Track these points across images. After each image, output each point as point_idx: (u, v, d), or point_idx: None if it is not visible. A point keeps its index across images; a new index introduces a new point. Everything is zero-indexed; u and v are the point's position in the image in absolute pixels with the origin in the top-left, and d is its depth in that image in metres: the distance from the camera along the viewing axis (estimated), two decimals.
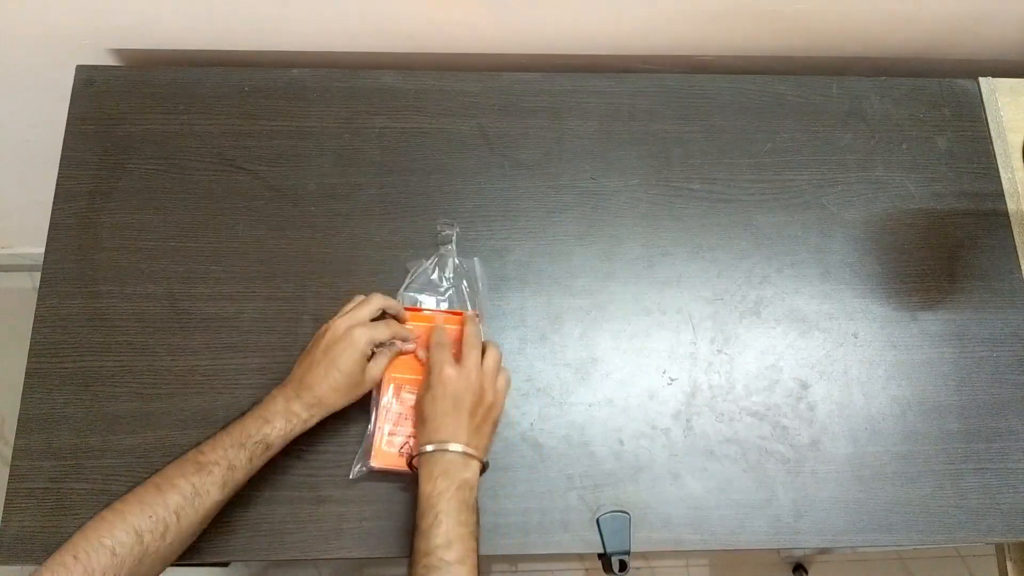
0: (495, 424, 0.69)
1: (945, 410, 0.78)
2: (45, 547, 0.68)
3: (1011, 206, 0.86)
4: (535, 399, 0.76)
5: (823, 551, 1.41)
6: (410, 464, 0.66)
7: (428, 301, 0.76)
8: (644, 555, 1.38)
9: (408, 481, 0.70)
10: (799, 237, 0.84)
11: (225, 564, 1.20)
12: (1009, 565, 0.91)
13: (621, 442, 0.75)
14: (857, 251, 0.84)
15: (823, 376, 0.78)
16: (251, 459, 0.61)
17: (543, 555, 1.28)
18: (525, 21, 0.87)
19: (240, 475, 0.61)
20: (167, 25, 0.86)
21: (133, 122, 0.84)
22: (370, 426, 0.70)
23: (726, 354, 0.79)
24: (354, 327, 0.65)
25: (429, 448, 0.63)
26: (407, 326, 0.72)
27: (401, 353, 0.71)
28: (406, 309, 0.73)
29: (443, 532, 0.59)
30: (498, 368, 0.69)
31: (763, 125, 0.88)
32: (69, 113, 0.84)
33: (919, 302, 0.82)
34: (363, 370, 0.66)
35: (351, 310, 0.68)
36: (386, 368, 0.69)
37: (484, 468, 0.66)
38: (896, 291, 0.82)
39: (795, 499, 0.73)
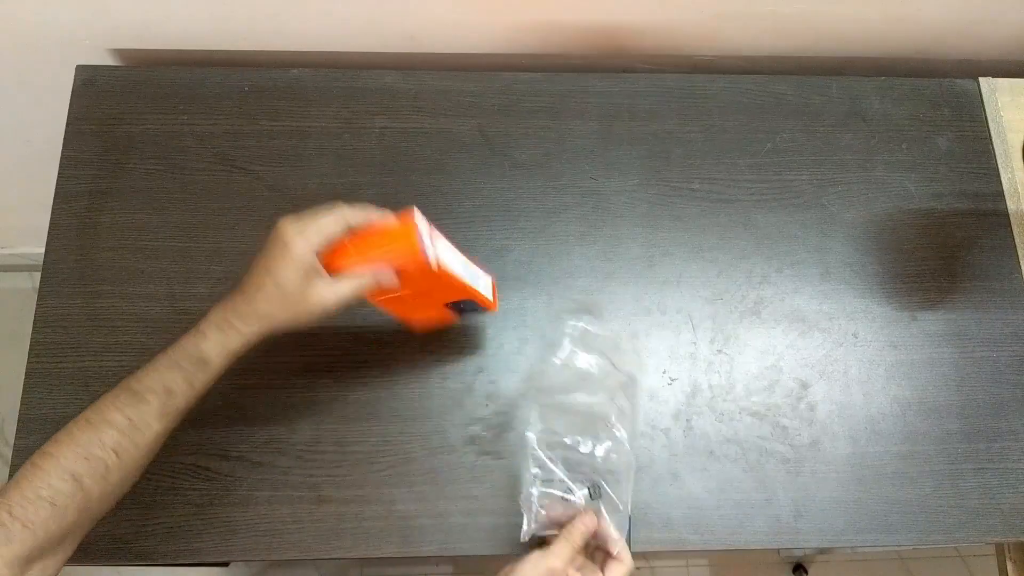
0: None
1: (945, 410, 0.78)
2: None
3: (1011, 206, 0.86)
4: (535, 399, 0.75)
5: (823, 551, 1.41)
6: None
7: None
8: (644, 555, 1.38)
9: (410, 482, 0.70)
10: (799, 237, 0.84)
11: (225, 564, 1.20)
12: (1009, 565, 0.91)
13: None
14: (857, 251, 0.84)
15: (823, 376, 0.78)
16: (189, 380, 0.55)
17: None
18: (525, 21, 0.87)
19: (180, 401, 0.55)
20: (167, 25, 0.86)
21: (133, 122, 0.84)
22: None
23: (726, 354, 0.79)
24: (294, 229, 0.56)
25: None
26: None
27: (382, 289, 0.59)
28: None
29: None
30: None
31: (763, 125, 0.88)
32: (69, 113, 0.84)
33: (919, 302, 0.82)
34: (306, 285, 0.56)
35: (306, 214, 0.57)
36: (354, 297, 0.57)
37: None
38: (896, 291, 0.82)
39: (795, 499, 0.73)
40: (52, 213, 0.80)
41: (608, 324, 0.79)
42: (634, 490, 0.72)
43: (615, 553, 0.59)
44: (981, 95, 0.91)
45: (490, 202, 0.83)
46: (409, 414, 0.74)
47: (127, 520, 0.69)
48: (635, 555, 0.70)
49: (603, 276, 0.81)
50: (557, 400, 0.63)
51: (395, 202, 0.82)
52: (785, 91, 0.90)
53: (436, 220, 0.81)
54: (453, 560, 1.40)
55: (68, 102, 0.84)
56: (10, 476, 0.70)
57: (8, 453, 0.79)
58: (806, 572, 1.42)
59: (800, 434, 0.76)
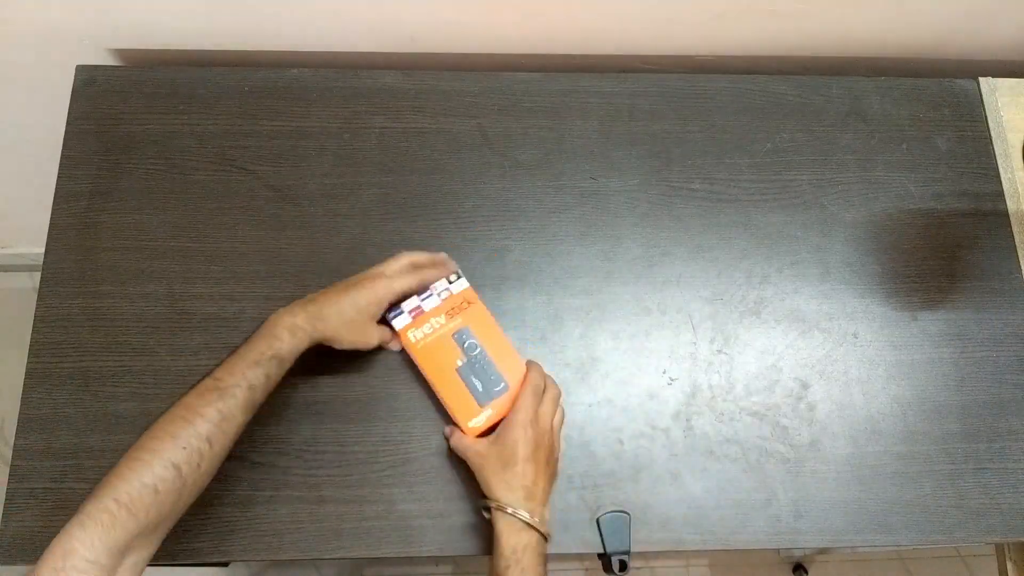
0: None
1: (945, 410, 0.78)
2: (45, 547, 0.67)
3: (1011, 206, 0.86)
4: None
5: (823, 551, 1.41)
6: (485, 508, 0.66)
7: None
8: (644, 555, 1.38)
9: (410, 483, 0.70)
10: (799, 237, 0.84)
11: (225, 564, 1.20)
12: (1009, 565, 0.92)
13: (621, 442, 0.75)
14: (857, 251, 0.84)
15: (823, 376, 0.78)
16: (268, 377, 0.61)
17: None
18: (525, 21, 0.87)
19: (259, 395, 0.61)
20: (167, 25, 0.86)
21: (133, 122, 0.84)
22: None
23: (726, 354, 0.79)
24: (382, 275, 0.70)
25: (509, 511, 0.63)
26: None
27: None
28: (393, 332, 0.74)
29: None
30: (562, 419, 0.72)
31: (763, 125, 0.88)
32: (69, 113, 0.84)
33: (919, 302, 0.82)
34: (371, 319, 0.69)
35: (385, 263, 0.72)
36: (386, 343, 0.72)
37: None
38: (896, 291, 0.82)
39: (795, 499, 0.73)
40: (52, 213, 0.80)
41: (612, 322, 0.79)
42: (634, 490, 0.73)
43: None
44: (981, 95, 0.91)
45: (490, 202, 0.83)
46: (409, 414, 0.74)
47: None
48: (635, 555, 0.70)
49: (603, 276, 0.81)
50: None
51: (395, 202, 0.83)
52: (785, 91, 0.90)
53: (436, 220, 0.82)
54: (453, 560, 1.40)
55: (68, 102, 0.84)
56: (9, 476, 0.70)
57: (8, 453, 0.79)
58: (806, 572, 1.42)
59: (800, 434, 0.76)
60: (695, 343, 0.79)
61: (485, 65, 0.94)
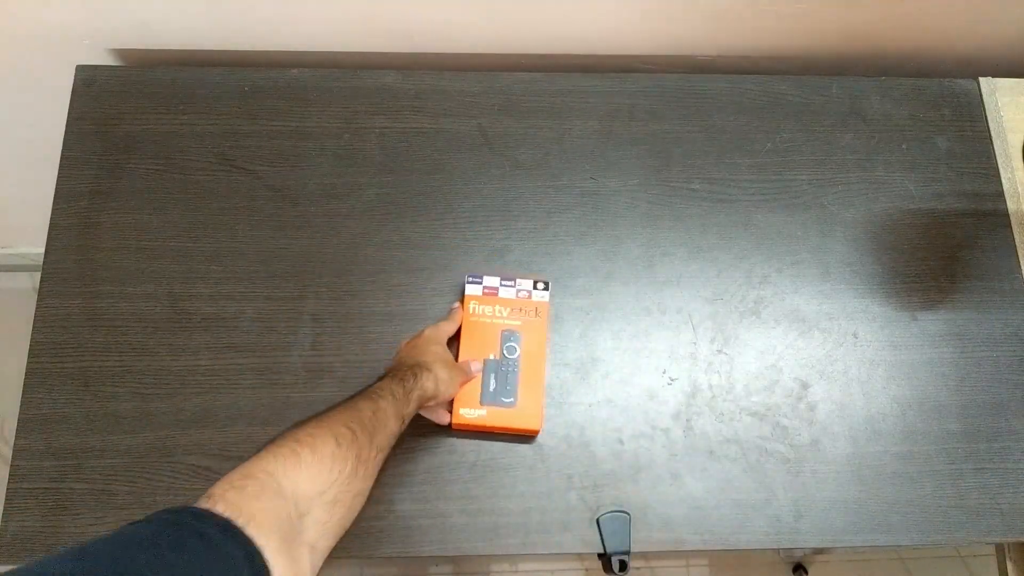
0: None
1: (945, 410, 0.78)
2: (45, 547, 0.68)
3: (1011, 206, 0.86)
4: None
5: (823, 551, 1.41)
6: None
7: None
8: (644, 555, 1.38)
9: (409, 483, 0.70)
10: (799, 237, 0.84)
11: None
12: (1009, 565, 0.91)
13: (621, 442, 0.75)
14: (857, 251, 0.84)
15: (823, 376, 0.78)
16: (398, 430, 0.60)
17: (543, 555, 1.28)
18: (525, 21, 0.87)
19: (392, 441, 0.59)
20: (167, 25, 0.86)
21: (133, 122, 0.84)
22: None
23: (726, 354, 0.79)
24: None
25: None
26: None
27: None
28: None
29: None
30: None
31: (763, 125, 0.88)
32: (69, 113, 0.84)
33: (919, 302, 0.82)
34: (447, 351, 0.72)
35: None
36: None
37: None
38: (896, 291, 0.82)
39: (795, 499, 0.73)
40: (52, 213, 0.80)
41: (612, 322, 0.79)
42: (634, 490, 0.73)
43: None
44: (981, 95, 0.91)
45: (490, 202, 0.83)
46: None
47: (128, 520, 0.69)
48: (635, 555, 0.70)
49: (603, 276, 0.81)
50: None
51: (395, 202, 0.83)
52: (785, 91, 0.90)
53: (436, 220, 0.82)
54: (453, 560, 1.40)
55: (68, 102, 0.84)
56: (10, 476, 0.70)
57: (8, 453, 0.79)
58: (806, 572, 1.41)
59: (800, 434, 0.76)
60: (695, 343, 0.79)
61: (485, 65, 0.94)
